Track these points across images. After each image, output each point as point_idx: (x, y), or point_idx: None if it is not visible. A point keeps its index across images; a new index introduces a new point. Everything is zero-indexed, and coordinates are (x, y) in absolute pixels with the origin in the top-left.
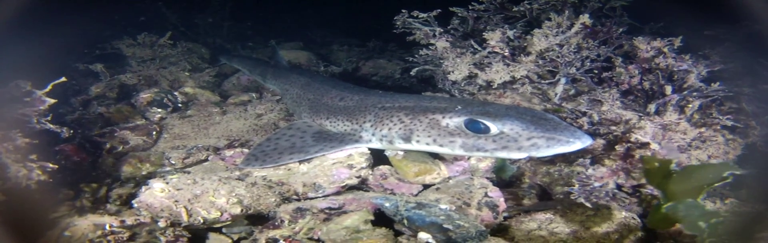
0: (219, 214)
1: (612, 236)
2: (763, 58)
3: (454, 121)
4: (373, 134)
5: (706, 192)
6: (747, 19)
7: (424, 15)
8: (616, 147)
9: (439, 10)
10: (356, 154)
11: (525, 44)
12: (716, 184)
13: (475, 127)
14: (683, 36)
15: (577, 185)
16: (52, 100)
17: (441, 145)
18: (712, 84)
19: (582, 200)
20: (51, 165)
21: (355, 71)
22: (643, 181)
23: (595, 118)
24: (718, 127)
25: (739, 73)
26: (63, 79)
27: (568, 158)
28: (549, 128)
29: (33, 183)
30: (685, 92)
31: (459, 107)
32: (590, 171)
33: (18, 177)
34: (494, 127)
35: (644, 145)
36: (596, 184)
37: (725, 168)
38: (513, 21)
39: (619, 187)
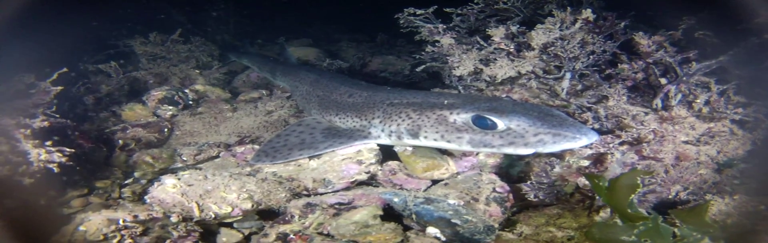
0: (230, 209)
1: None
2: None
3: (462, 117)
4: (381, 130)
5: (632, 199)
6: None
7: (422, 11)
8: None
9: (436, 6)
10: (365, 149)
11: (529, 41)
12: (635, 194)
13: (483, 123)
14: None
15: (533, 179)
16: (58, 88)
17: (448, 141)
18: (691, 65)
19: (530, 195)
20: (68, 149)
21: (364, 67)
22: None
23: (601, 113)
24: (728, 122)
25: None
26: (65, 69)
27: (574, 153)
28: (555, 124)
29: (55, 166)
30: (675, 79)
31: (466, 103)
32: (557, 169)
33: (40, 160)
34: (501, 123)
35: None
36: (557, 183)
37: (635, 175)
38: (506, 20)
39: (578, 188)
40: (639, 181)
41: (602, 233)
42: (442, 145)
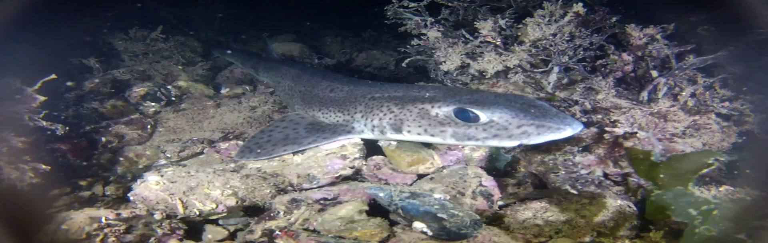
0: (214, 205)
1: (607, 224)
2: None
3: (443, 111)
4: (364, 125)
5: (694, 179)
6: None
7: (415, 4)
8: (605, 135)
9: (430, 0)
10: (349, 144)
11: (518, 33)
12: (704, 171)
13: (465, 116)
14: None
15: (563, 172)
16: (42, 98)
17: (432, 135)
18: (687, 58)
19: (567, 187)
20: (43, 166)
21: (349, 63)
22: (630, 169)
23: (588, 106)
24: (713, 115)
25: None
26: (53, 76)
27: (561, 146)
28: (539, 115)
29: (25, 185)
30: (666, 72)
31: (447, 96)
32: (578, 158)
33: (10, 179)
34: (483, 116)
35: (632, 135)
36: (583, 172)
37: (709, 155)
38: (499, 12)
39: (605, 175)
40: (712, 161)
41: (675, 200)
42: (426, 139)
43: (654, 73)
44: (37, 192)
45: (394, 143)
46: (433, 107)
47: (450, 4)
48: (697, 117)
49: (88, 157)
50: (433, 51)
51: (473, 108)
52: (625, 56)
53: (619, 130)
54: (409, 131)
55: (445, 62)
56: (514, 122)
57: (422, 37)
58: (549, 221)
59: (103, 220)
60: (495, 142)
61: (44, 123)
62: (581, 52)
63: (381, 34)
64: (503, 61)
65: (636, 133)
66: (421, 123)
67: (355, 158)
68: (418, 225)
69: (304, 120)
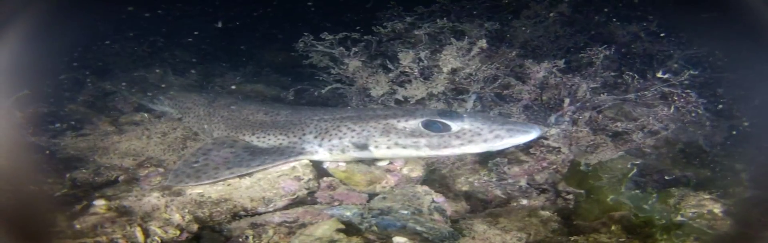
0: (178, 232)
1: (546, 227)
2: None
3: (411, 124)
4: (319, 145)
5: (627, 183)
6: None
7: (331, 37)
8: (531, 150)
9: (345, 34)
10: (300, 166)
11: (436, 64)
12: (630, 174)
13: (435, 127)
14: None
15: (495, 178)
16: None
17: (404, 147)
18: (602, 95)
19: (497, 192)
20: None
21: (241, 92)
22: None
23: None
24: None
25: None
26: (26, 91)
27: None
28: (504, 122)
29: None
30: (578, 104)
31: (410, 111)
32: (506, 169)
33: None
34: (454, 125)
35: (555, 149)
36: (510, 181)
37: (626, 160)
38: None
39: (529, 184)
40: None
41: (632, 200)
42: (397, 152)
43: (566, 102)
44: None
45: (343, 164)
46: (398, 121)
47: (362, 39)
48: (593, 137)
49: None
50: (354, 79)
51: (444, 119)
52: (526, 87)
53: (554, 144)
54: (377, 147)
55: (374, 88)
56: (485, 128)
57: (341, 66)
58: (506, 230)
59: None
60: (472, 148)
61: (33, 139)
62: (493, 84)
63: (261, 68)
64: (428, 88)
65: (559, 148)
66: (390, 137)
67: (309, 179)
68: (399, 239)
69: (238, 143)
